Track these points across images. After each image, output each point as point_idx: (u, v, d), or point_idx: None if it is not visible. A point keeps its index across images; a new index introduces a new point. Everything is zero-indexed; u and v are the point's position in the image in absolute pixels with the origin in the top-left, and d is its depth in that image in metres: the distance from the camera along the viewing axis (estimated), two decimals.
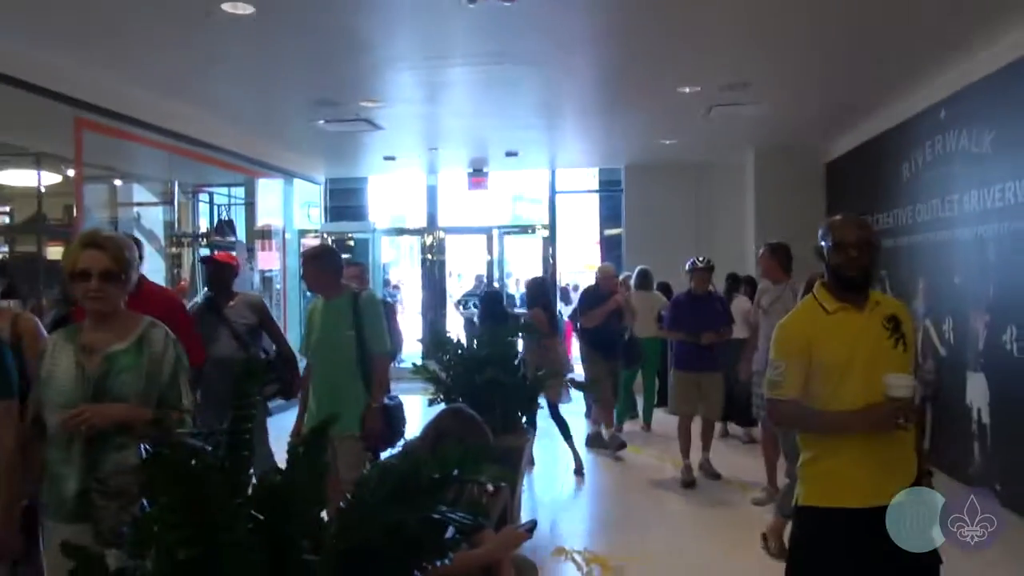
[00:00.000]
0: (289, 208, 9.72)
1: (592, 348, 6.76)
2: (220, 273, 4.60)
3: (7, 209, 6.08)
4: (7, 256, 5.93)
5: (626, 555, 3.76)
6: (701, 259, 6.02)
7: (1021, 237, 4.80)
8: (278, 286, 9.28)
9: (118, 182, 6.85)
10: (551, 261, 11.36)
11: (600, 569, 3.79)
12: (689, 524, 4.94)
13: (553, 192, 11.17)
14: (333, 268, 3.98)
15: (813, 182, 9.13)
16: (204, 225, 8.33)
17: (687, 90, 6.32)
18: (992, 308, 5.14)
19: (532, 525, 2.74)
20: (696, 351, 5.77)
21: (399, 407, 4.02)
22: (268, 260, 9.16)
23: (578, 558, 4.09)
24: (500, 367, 4.74)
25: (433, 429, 2.78)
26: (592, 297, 6.84)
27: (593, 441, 6.86)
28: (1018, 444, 4.79)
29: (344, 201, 11.87)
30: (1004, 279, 5.04)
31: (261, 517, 1.62)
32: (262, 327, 4.55)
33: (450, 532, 1.76)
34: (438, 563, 1.78)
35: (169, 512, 1.48)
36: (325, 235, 10.80)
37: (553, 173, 11.07)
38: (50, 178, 5.79)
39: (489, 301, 7.44)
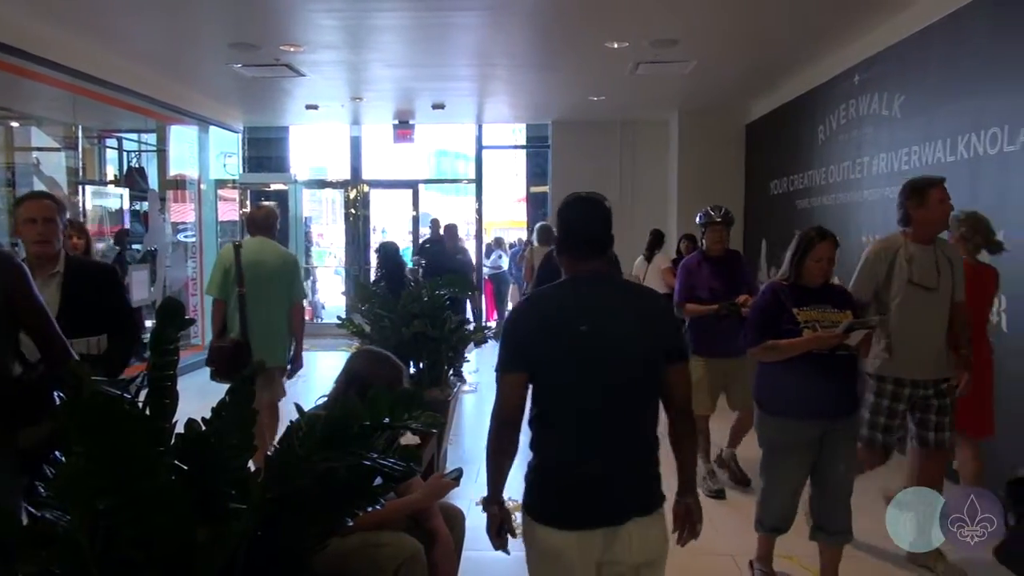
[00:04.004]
0: (205, 157, 9.30)
1: None
2: None
3: None
4: None
5: None
6: (716, 210, 4.68)
7: None
8: (192, 239, 8.92)
9: (15, 124, 6.39)
10: (477, 216, 11.33)
11: (523, 515, 3.89)
12: None
13: (480, 147, 11.08)
14: None
15: (734, 142, 9.38)
16: (112, 172, 7.90)
17: (615, 45, 6.33)
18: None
19: (458, 474, 2.77)
20: (720, 330, 4.46)
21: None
22: (182, 212, 8.77)
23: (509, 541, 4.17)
24: (428, 320, 4.73)
25: (344, 373, 2.75)
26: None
27: None
28: None
29: (264, 151, 11.46)
30: None
31: (185, 467, 1.58)
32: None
33: (379, 479, 1.76)
34: (368, 509, 1.79)
35: (86, 461, 1.42)
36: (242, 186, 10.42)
37: (480, 128, 10.96)
38: None
39: (386, 254, 7.42)
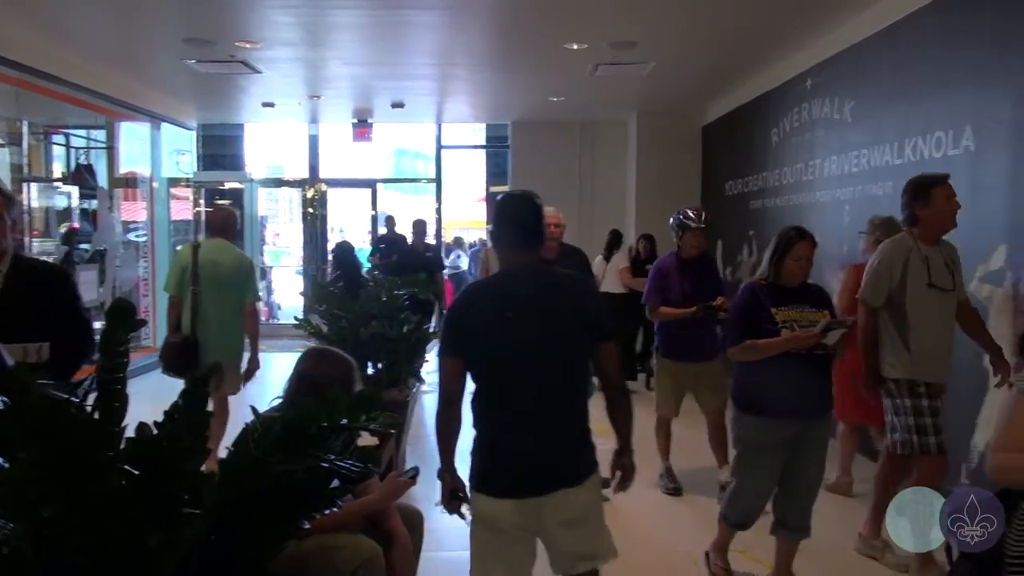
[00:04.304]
0: (157, 154, 9.08)
1: None
2: None
3: None
4: None
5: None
6: (697, 214, 4.48)
7: (874, 201, 5.21)
8: (143, 238, 8.71)
9: None
10: (437, 216, 11.29)
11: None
12: None
13: (439, 146, 11.05)
14: None
15: (690, 144, 9.51)
16: (59, 170, 7.66)
17: (574, 46, 6.37)
18: (845, 266, 5.58)
19: (415, 472, 2.75)
20: (690, 335, 4.39)
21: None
22: (133, 211, 8.55)
23: (464, 508, 4.16)
24: (386, 321, 4.69)
25: (294, 375, 2.70)
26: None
27: None
28: None
29: (218, 149, 11.25)
30: (856, 240, 5.46)
31: (136, 472, 1.55)
32: None
33: (336, 481, 1.74)
34: (325, 512, 1.77)
35: (31, 467, 1.38)
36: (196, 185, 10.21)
37: (439, 127, 10.93)
38: None
39: (342, 254, 7.38)
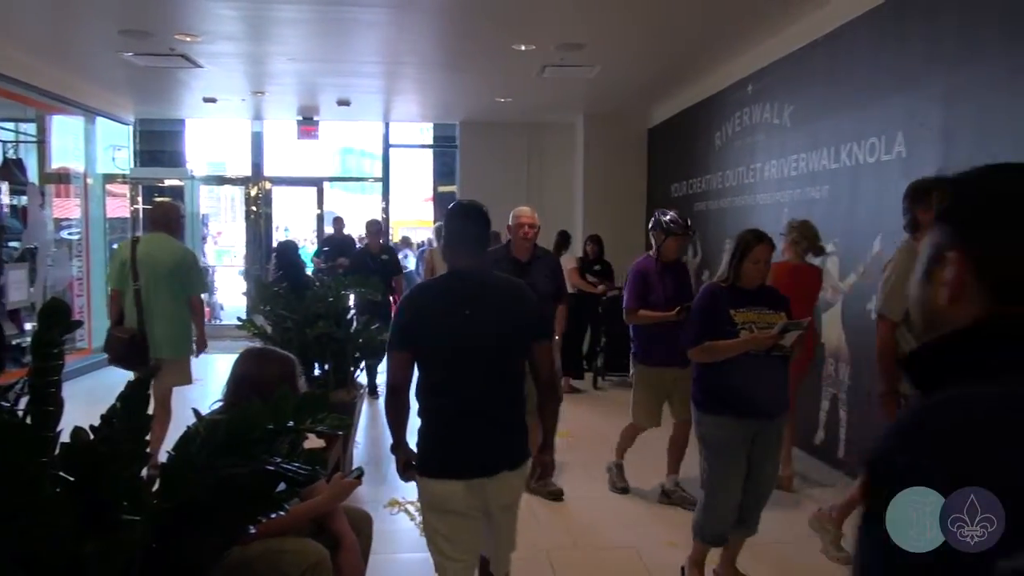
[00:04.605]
0: (92, 149, 8.76)
1: None
2: None
3: None
4: None
5: None
6: (681, 219, 4.42)
7: (812, 203, 5.38)
8: (77, 236, 8.39)
9: None
10: (384, 216, 11.19)
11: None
12: None
13: (387, 145, 10.95)
14: None
15: (637, 146, 9.65)
16: None
17: (522, 47, 6.40)
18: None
19: (360, 473, 2.72)
20: (667, 339, 4.13)
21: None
22: (65, 207, 8.23)
23: (411, 509, 4.14)
24: (333, 321, 4.63)
25: (234, 376, 2.61)
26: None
27: None
28: None
29: (157, 145, 10.92)
30: None
31: (71, 478, 1.49)
32: None
33: (282, 485, 1.71)
34: (271, 516, 1.74)
35: None
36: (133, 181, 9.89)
37: (387, 126, 10.84)
38: None
39: (285, 253, 7.20)
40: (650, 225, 4.57)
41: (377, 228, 7.61)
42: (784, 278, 4.00)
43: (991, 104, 3.70)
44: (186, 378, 4.81)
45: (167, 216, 4.85)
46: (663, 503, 4.45)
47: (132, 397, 1.60)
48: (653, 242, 4.50)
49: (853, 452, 4.86)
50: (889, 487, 0.73)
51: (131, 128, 9.97)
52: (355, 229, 9.96)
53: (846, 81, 4.96)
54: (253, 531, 1.69)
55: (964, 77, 3.88)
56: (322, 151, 11.75)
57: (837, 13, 5.04)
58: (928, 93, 4.14)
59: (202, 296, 5.03)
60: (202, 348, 4.94)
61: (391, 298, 7.02)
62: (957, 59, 3.93)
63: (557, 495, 4.50)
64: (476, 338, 2.38)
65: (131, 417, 1.58)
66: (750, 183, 6.49)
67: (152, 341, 4.60)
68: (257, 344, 4.61)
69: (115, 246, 6.94)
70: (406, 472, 2.51)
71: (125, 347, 4.58)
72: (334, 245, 9.07)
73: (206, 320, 5.49)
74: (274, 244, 10.38)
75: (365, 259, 7.26)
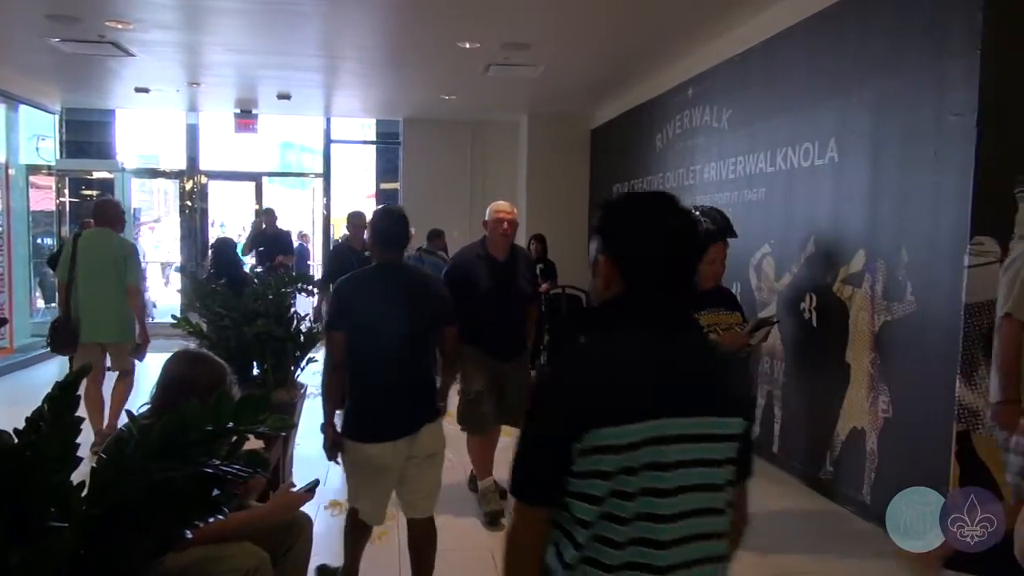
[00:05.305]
0: (14, 139, 8.37)
1: None
2: None
3: None
4: None
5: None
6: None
7: (748, 205, 5.52)
8: None
9: None
10: (325, 212, 11.01)
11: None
12: (464, 473, 5.10)
13: (328, 141, 10.78)
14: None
15: (580, 146, 9.74)
16: None
17: (467, 45, 6.38)
18: None
19: (313, 485, 2.66)
20: None
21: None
22: None
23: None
24: (273, 319, 4.53)
25: (164, 378, 2.49)
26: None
27: None
28: None
29: (85, 135, 10.49)
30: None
31: None
32: None
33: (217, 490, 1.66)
34: (209, 520, 1.69)
35: None
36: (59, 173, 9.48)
37: (328, 121, 10.66)
38: None
39: (222, 250, 6.99)
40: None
41: (361, 220, 6.25)
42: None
43: (918, 111, 3.85)
44: (135, 357, 5.37)
45: (107, 213, 5.32)
46: None
47: (60, 399, 1.53)
48: None
49: (787, 447, 5.01)
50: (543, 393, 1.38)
51: (57, 117, 9.56)
52: (293, 225, 9.70)
53: (783, 87, 5.11)
54: (190, 536, 1.63)
55: (893, 84, 4.03)
56: (261, 145, 11.48)
57: (775, 20, 5.18)
58: (859, 101, 4.29)
59: (140, 287, 5.46)
60: (145, 343, 5.35)
61: None
62: (886, 67, 4.09)
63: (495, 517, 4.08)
64: (400, 320, 2.81)
65: (59, 419, 1.51)
66: (690, 184, 6.62)
67: (96, 328, 5.11)
68: (192, 343, 4.48)
69: (46, 240, 7.69)
70: (332, 451, 2.90)
71: (52, 332, 5.15)
72: (268, 241, 8.72)
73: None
74: (211, 240, 10.09)
75: (348, 257, 5.97)
